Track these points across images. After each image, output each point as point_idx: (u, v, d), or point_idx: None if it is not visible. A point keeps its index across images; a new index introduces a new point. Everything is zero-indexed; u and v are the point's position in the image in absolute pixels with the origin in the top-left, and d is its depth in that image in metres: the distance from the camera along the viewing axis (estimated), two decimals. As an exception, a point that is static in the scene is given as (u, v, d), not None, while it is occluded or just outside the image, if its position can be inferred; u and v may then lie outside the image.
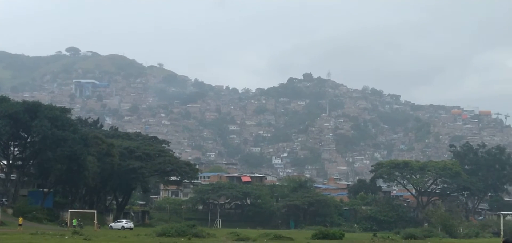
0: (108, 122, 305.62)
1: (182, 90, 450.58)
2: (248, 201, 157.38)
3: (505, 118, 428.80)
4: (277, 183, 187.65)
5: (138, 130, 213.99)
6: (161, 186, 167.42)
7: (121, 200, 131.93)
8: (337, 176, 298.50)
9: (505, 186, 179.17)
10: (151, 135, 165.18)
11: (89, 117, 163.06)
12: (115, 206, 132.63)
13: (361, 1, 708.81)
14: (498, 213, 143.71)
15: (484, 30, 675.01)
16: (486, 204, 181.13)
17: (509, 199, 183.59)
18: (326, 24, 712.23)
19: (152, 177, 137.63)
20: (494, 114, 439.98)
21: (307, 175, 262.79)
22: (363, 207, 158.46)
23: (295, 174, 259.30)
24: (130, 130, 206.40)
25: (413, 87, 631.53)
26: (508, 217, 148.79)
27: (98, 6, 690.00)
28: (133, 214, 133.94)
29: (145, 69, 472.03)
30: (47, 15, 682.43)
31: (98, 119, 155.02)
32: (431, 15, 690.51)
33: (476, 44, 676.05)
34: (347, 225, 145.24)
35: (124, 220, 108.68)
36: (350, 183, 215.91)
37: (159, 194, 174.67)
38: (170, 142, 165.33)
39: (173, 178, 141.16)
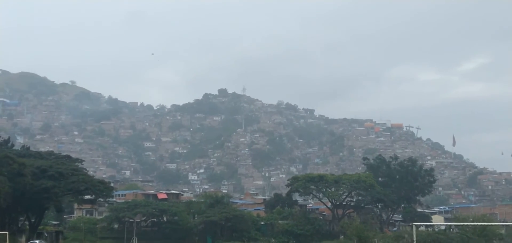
0: (20, 141, 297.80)
1: (95, 107, 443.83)
2: (165, 218, 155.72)
3: (416, 130, 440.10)
4: (193, 200, 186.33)
5: (50, 149, 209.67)
6: (75, 206, 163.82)
7: (34, 220, 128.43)
8: (253, 191, 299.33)
9: (417, 197, 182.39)
10: (64, 154, 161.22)
11: (0, 137, 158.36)
12: (27, 227, 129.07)
13: (275, 17, 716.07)
14: (411, 224, 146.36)
15: (396, 45, 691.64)
16: (400, 216, 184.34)
17: (422, 210, 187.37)
18: (241, 40, 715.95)
19: (66, 197, 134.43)
20: (406, 126, 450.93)
21: (224, 191, 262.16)
22: (280, 221, 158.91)
23: (211, 190, 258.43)
24: (42, 149, 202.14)
25: (327, 101, 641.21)
26: (421, 228, 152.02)
27: (6, 22, 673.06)
28: (46, 235, 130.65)
29: (57, 87, 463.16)
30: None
31: (9, 138, 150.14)
32: (345, 30, 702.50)
33: (388, 59, 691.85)
34: (265, 239, 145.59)
35: (37, 241, 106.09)
36: (266, 197, 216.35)
37: (73, 213, 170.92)
38: (84, 161, 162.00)
39: (88, 197, 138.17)
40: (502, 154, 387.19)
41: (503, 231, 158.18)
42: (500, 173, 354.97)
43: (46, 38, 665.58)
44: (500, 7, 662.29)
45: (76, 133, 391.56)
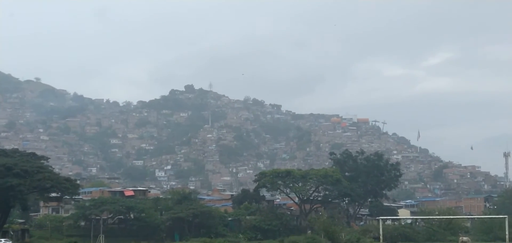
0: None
1: (60, 104, 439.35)
2: (132, 215, 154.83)
3: (382, 125, 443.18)
4: (161, 196, 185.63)
5: (15, 147, 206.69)
6: (41, 203, 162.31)
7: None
8: (221, 187, 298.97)
9: (384, 192, 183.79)
10: (30, 151, 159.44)
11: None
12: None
13: (240, 12, 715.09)
14: (377, 218, 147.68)
15: (362, 40, 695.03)
16: (367, 210, 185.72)
17: (388, 204, 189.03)
18: (207, 35, 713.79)
19: (31, 194, 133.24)
20: (372, 121, 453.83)
21: (191, 187, 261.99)
22: (248, 217, 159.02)
23: (179, 186, 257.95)
24: (7, 147, 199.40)
25: (294, 96, 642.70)
26: (388, 222, 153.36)
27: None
28: (12, 233, 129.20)
29: (22, 84, 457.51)
30: None
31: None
32: (310, 26, 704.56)
33: (355, 54, 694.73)
34: (232, 235, 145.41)
35: (2, 240, 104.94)
36: (234, 193, 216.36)
37: (39, 211, 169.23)
38: (50, 158, 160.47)
39: (53, 194, 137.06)
40: (472, 149, 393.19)
41: (468, 224, 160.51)
42: (465, 167, 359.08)
43: (9, 35, 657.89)
44: (466, 3, 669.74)
45: (41, 130, 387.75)
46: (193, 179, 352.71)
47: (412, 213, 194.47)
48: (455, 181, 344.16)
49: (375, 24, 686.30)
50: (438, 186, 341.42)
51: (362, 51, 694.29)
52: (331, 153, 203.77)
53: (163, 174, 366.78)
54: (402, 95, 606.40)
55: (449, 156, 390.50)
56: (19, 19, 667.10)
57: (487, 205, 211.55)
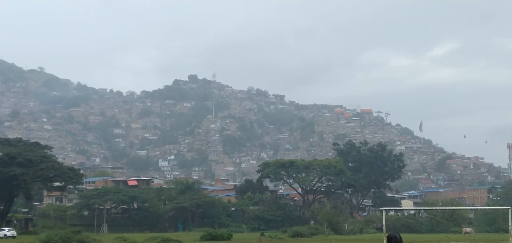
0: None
1: (64, 93, 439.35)
2: (135, 205, 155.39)
3: (386, 116, 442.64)
4: (164, 186, 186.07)
5: (19, 136, 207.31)
6: (45, 193, 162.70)
7: (2, 208, 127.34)
8: (224, 177, 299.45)
9: (387, 182, 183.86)
10: (33, 141, 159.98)
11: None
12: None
13: (246, 3, 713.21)
14: (381, 208, 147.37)
15: (368, 30, 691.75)
16: (370, 200, 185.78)
17: (391, 195, 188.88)
18: (211, 25, 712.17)
19: (35, 184, 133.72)
20: (375, 112, 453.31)
21: (195, 177, 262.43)
22: (251, 207, 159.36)
23: (182, 176, 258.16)
24: (11, 136, 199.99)
25: (298, 87, 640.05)
26: (391, 213, 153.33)
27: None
28: (16, 222, 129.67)
29: (25, 73, 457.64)
30: None
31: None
32: (316, 17, 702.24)
33: (360, 44, 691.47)
34: (235, 225, 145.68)
35: (6, 229, 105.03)
36: (237, 183, 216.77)
37: (42, 201, 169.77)
38: (53, 147, 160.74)
39: (57, 184, 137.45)
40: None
41: (471, 215, 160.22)
42: (468, 158, 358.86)
43: (13, 24, 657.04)
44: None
45: (45, 119, 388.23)
46: (196, 169, 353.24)
47: (415, 204, 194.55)
48: (459, 172, 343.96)
49: (380, 14, 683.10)
50: (441, 177, 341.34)
51: (368, 41, 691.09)
52: (335, 144, 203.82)
53: (166, 164, 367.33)
54: (406, 85, 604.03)
55: (452, 147, 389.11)
56: (23, 7, 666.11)
57: (491, 196, 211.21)
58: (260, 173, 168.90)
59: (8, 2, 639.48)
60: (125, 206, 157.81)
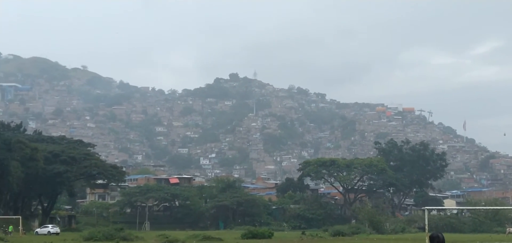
0: (32, 126, 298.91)
1: (107, 92, 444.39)
2: (177, 203, 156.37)
3: (428, 114, 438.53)
4: (205, 184, 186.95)
5: (62, 134, 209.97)
6: (88, 190, 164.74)
7: (46, 205, 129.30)
8: (265, 175, 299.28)
9: (429, 182, 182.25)
10: (76, 138, 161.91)
11: (12, 122, 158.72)
12: (40, 211, 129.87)
13: (287, 2, 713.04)
14: (423, 208, 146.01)
15: (410, 29, 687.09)
16: (412, 200, 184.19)
17: (434, 194, 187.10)
18: (253, 25, 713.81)
19: (78, 181, 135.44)
20: (418, 110, 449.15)
21: (236, 175, 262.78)
22: (292, 206, 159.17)
23: (223, 174, 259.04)
24: (54, 134, 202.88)
25: (339, 85, 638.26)
26: (433, 212, 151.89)
27: (18, 7, 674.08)
28: (59, 219, 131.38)
29: (69, 72, 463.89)
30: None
31: (21, 123, 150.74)
32: (358, 16, 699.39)
33: (401, 42, 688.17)
34: (276, 224, 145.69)
35: (50, 225, 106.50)
36: (278, 182, 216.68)
37: (85, 198, 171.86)
38: (96, 145, 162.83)
39: (100, 181, 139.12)
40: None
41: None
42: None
43: (57, 23, 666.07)
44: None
45: (87, 117, 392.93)
46: (237, 167, 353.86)
47: (458, 203, 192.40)
48: (502, 171, 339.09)
49: (422, 12, 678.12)
50: (484, 177, 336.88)
51: (410, 40, 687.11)
52: (376, 143, 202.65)
53: (207, 162, 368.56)
54: (448, 84, 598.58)
55: (495, 146, 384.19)
56: (66, 7, 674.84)
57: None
58: (301, 171, 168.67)
59: (52, 3, 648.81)
60: (167, 204, 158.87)
